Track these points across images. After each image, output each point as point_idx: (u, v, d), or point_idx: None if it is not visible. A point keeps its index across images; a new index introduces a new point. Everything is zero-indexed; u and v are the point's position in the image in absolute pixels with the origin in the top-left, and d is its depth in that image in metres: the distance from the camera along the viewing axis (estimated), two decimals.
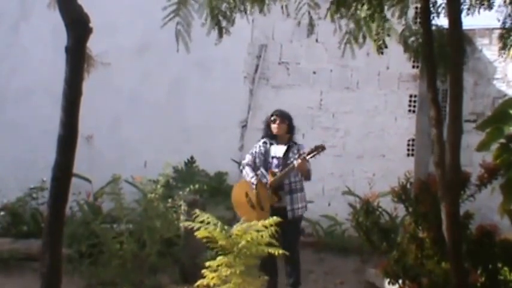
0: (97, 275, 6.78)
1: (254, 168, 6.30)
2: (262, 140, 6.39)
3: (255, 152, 6.35)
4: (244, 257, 4.21)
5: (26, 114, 9.03)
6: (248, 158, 6.38)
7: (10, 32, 9.32)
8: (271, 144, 6.33)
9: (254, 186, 6.19)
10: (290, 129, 6.37)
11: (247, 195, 6.26)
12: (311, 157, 5.99)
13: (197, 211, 4.37)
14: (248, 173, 6.27)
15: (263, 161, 6.27)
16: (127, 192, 7.37)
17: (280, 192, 6.18)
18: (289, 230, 5.98)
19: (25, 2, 9.24)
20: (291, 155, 6.22)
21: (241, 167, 6.48)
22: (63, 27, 4.17)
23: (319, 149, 6.03)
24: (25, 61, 9.17)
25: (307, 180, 6.26)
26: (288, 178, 6.16)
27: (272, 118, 6.36)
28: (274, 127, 6.33)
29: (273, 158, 6.27)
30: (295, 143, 6.36)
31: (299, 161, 5.95)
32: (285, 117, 6.35)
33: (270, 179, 6.17)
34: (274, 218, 4.37)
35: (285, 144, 6.31)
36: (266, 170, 6.24)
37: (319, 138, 9.29)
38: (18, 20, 9.33)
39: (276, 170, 6.21)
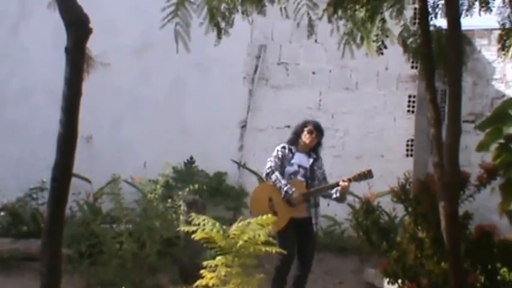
0: (97, 275, 6.80)
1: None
2: (282, 145, 6.22)
3: (279, 156, 6.13)
4: (242, 256, 4.22)
5: (26, 115, 9.04)
6: (274, 162, 6.09)
7: (10, 32, 9.33)
8: (291, 150, 6.18)
9: (288, 194, 5.97)
10: (318, 143, 6.34)
11: (270, 200, 6.02)
12: (356, 181, 6.12)
13: (193, 214, 4.38)
14: (280, 179, 6.01)
15: (279, 166, 6.10)
16: (127, 192, 7.39)
17: (306, 205, 6.14)
18: (311, 240, 6.20)
19: (25, 2, 9.24)
20: (315, 168, 6.22)
21: (268, 170, 6.07)
22: (63, 28, 4.18)
23: (367, 175, 6.14)
24: (25, 61, 9.17)
25: (342, 202, 6.41)
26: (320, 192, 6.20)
27: (309, 128, 6.23)
28: (308, 138, 6.20)
29: (299, 167, 6.17)
30: (319, 156, 6.31)
31: (346, 183, 6.01)
32: (321, 133, 6.30)
33: (302, 189, 6.07)
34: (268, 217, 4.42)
35: (307, 154, 6.23)
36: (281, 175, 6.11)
37: None
38: (18, 20, 9.33)
39: (302, 179, 6.13)
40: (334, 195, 6.15)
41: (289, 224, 5.96)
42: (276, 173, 6.04)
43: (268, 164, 6.10)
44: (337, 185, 6.07)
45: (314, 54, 9.47)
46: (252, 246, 4.24)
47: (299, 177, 6.14)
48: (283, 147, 6.19)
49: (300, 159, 6.19)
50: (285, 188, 5.98)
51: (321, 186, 6.15)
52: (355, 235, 7.01)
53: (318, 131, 6.27)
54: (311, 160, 6.22)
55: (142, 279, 6.80)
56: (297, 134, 6.28)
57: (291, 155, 6.17)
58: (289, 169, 6.13)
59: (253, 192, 6.31)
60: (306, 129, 6.25)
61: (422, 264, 5.00)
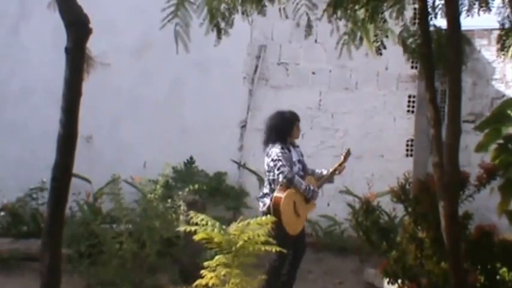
0: (97, 275, 6.80)
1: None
2: (279, 146, 6.06)
3: (286, 158, 6.03)
4: (242, 256, 4.23)
5: (26, 115, 9.04)
6: (288, 166, 5.97)
7: (10, 32, 9.33)
8: (288, 149, 6.13)
9: (316, 193, 6.16)
10: None
11: (295, 204, 6.02)
12: (345, 162, 6.48)
13: (192, 213, 4.38)
14: (302, 182, 6.02)
15: (290, 167, 6.03)
16: (126, 192, 7.39)
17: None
18: (304, 231, 6.32)
19: (25, 2, 9.25)
20: (301, 158, 6.28)
21: (289, 176, 5.92)
22: (63, 28, 4.18)
23: (348, 154, 6.52)
24: (25, 61, 9.17)
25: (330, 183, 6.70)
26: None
27: (298, 123, 6.30)
28: (298, 132, 6.36)
29: (298, 162, 6.20)
30: (297, 144, 6.39)
31: (344, 169, 6.45)
32: None
33: (314, 183, 6.22)
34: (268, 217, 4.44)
35: (293, 147, 6.26)
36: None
37: (318, 138, 9.34)
38: (18, 20, 9.34)
39: (302, 173, 6.18)
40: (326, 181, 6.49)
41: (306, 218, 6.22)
42: (297, 177, 6.02)
43: (286, 169, 5.93)
44: (335, 171, 6.41)
45: (314, 54, 9.47)
46: (252, 246, 4.24)
47: (301, 173, 6.16)
48: (282, 148, 6.07)
49: (294, 155, 6.21)
50: (312, 188, 6.11)
51: (327, 176, 6.38)
52: (355, 235, 7.02)
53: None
54: (299, 152, 6.30)
55: (142, 279, 6.80)
56: (287, 131, 6.19)
57: (290, 154, 6.14)
58: (294, 169, 6.10)
59: (283, 201, 5.94)
60: (295, 124, 6.25)
61: (422, 264, 5.01)
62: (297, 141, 6.50)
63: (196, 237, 4.23)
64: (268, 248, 4.27)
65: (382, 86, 9.64)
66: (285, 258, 5.72)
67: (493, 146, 4.87)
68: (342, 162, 6.43)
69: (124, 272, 6.76)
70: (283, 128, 6.19)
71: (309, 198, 6.10)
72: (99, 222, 7.41)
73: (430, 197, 4.86)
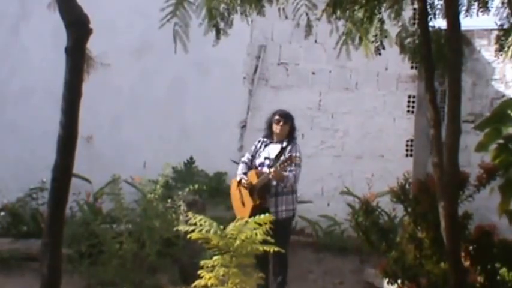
0: (97, 275, 6.81)
1: (250, 166, 6.47)
2: (258, 139, 6.57)
3: (251, 150, 6.58)
4: (240, 256, 4.23)
5: (26, 115, 9.04)
6: (246, 157, 6.57)
7: (10, 32, 9.33)
8: (264, 143, 6.45)
9: (236, 184, 6.42)
10: (291, 130, 6.47)
11: (240, 192, 6.41)
12: (282, 168, 6.09)
13: (190, 214, 4.38)
14: (239, 172, 6.46)
15: (250, 160, 6.50)
16: (126, 192, 7.39)
17: (266, 195, 6.29)
18: (275, 231, 6.11)
19: (25, 2, 9.26)
20: (283, 156, 6.30)
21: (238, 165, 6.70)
22: (63, 28, 4.19)
23: (288, 160, 6.10)
24: (25, 61, 9.18)
25: (282, 184, 6.25)
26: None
27: (275, 118, 6.43)
28: (277, 128, 6.41)
29: (265, 158, 6.38)
30: (292, 142, 6.40)
31: (272, 170, 6.10)
32: (288, 119, 6.46)
33: (254, 179, 6.30)
34: (266, 216, 4.44)
35: (280, 143, 6.38)
36: (250, 169, 6.43)
37: (318, 138, 9.34)
38: (18, 20, 9.35)
39: (267, 169, 6.27)
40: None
41: (252, 213, 5.95)
42: (241, 165, 6.50)
43: (242, 159, 6.59)
44: (268, 174, 6.17)
45: (314, 55, 9.47)
46: (250, 246, 4.24)
47: (265, 168, 6.30)
48: (258, 141, 6.53)
49: (271, 150, 6.39)
50: (238, 178, 6.39)
51: (260, 178, 6.24)
52: (355, 235, 7.01)
53: (283, 118, 6.43)
54: (279, 149, 6.36)
55: (142, 279, 6.80)
56: (269, 127, 6.52)
57: (263, 147, 6.44)
58: (256, 162, 6.44)
59: (231, 185, 6.67)
60: (272, 121, 6.48)
61: (422, 264, 5.00)
62: (297, 141, 6.55)
63: (192, 237, 4.23)
64: (266, 247, 4.27)
65: (382, 86, 9.64)
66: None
67: (493, 146, 4.87)
68: (276, 166, 6.07)
69: (124, 272, 6.77)
70: (266, 125, 6.59)
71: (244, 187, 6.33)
72: (99, 222, 7.42)
73: (429, 197, 4.86)
